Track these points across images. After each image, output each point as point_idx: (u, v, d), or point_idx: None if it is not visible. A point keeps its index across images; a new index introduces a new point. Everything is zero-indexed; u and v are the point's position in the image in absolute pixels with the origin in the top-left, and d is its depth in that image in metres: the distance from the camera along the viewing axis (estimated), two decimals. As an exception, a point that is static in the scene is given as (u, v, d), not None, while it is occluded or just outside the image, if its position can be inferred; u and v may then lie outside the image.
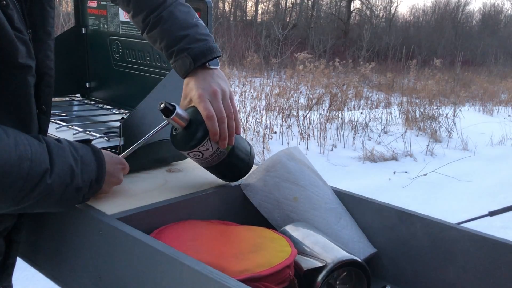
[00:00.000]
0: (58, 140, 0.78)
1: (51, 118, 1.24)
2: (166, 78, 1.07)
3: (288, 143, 5.61)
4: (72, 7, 1.53)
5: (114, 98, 1.48)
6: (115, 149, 1.05)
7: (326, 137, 5.91)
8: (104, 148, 1.05)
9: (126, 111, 1.41)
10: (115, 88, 1.46)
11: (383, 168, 5.25)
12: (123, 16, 1.35)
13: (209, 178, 1.14)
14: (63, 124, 1.20)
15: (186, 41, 0.94)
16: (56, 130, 1.16)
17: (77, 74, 1.51)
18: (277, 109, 6.64)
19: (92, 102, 1.52)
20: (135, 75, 1.37)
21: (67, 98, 1.57)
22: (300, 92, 7.54)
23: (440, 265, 0.95)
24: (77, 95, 1.59)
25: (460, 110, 8.17)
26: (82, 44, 1.49)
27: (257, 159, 1.12)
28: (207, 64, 0.95)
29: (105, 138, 1.10)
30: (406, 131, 6.56)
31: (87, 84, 1.53)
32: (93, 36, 1.46)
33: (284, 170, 1.08)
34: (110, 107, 1.47)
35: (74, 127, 1.16)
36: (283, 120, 6.17)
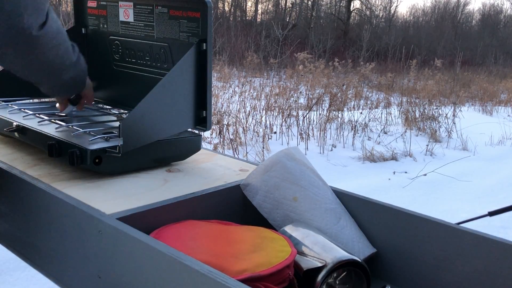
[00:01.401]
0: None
1: (51, 118, 1.24)
2: (165, 78, 1.07)
3: (287, 143, 5.61)
4: (72, 7, 1.53)
5: (114, 98, 1.48)
6: (114, 149, 1.05)
7: (326, 137, 5.91)
8: (104, 149, 1.05)
9: (126, 111, 1.41)
10: (115, 88, 1.46)
11: (382, 168, 5.25)
12: (123, 16, 1.35)
13: (209, 178, 1.14)
14: (63, 124, 1.20)
15: None
16: (56, 130, 1.16)
17: None
18: (276, 109, 6.64)
19: (92, 103, 1.52)
20: (135, 75, 1.37)
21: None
22: (300, 92, 7.54)
23: (440, 265, 0.95)
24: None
25: (460, 110, 8.17)
26: (82, 44, 1.49)
27: (257, 159, 1.12)
28: None
29: (105, 138, 1.10)
30: (405, 131, 6.56)
31: None
32: (93, 36, 1.46)
33: (283, 170, 1.08)
34: (110, 107, 1.47)
35: (74, 127, 1.16)
36: (283, 120, 6.17)
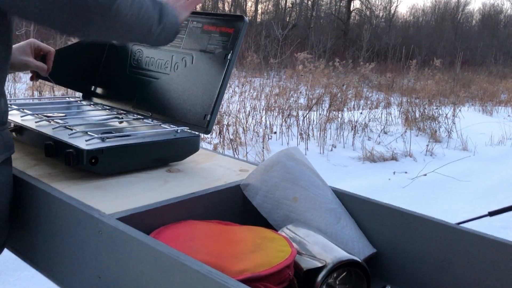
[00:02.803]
0: None
1: (49, 118, 1.25)
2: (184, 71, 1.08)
3: (288, 143, 5.61)
4: None
5: (119, 100, 1.48)
6: (111, 149, 1.05)
7: (326, 137, 5.91)
8: (100, 149, 1.04)
9: (125, 112, 1.41)
10: (124, 91, 1.47)
11: (382, 168, 5.25)
12: None
13: (209, 178, 1.14)
14: (61, 123, 1.20)
15: None
16: (53, 130, 1.15)
17: (87, 75, 1.52)
18: (276, 109, 6.65)
19: (92, 103, 1.52)
20: (147, 80, 1.38)
21: (66, 99, 1.57)
22: (300, 92, 7.54)
23: (440, 265, 0.95)
24: (77, 96, 1.59)
25: (460, 110, 8.17)
26: (102, 50, 1.51)
27: (257, 159, 1.12)
28: None
29: (101, 138, 1.10)
30: (405, 131, 6.56)
31: (92, 87, 1.53)
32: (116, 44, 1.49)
33: (283, 170, 1.08)
34: (109, 107, 1.47)
35: (73, 128, 1.16)
36: (283, 120, 6.17)
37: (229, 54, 1.20)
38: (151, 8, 0.95)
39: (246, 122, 5.83)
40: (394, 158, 5.62)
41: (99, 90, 1.53)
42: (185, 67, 1.29)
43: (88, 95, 1.56)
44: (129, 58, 1.45)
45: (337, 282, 0.89)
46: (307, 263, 0.88)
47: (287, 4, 24.28)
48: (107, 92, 1.50)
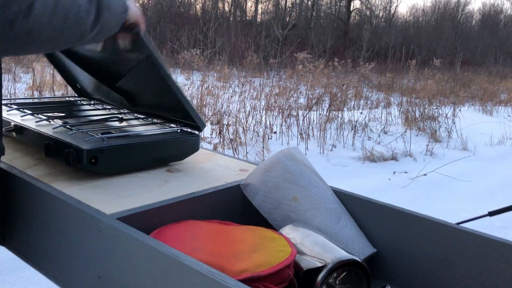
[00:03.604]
0: None
1: (49, 118, 1.25)
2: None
3: (287, 143, 5.61)
4: None
5: (115, 96, 1.47)
6: (111, 149, 1.05)
7: (326, 137, 5.91)
8: (100, 149, 1.04)
9: (125, 111, 1.41)
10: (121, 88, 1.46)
11: (382, 168, 5.25)
12: None
13: (209, 178, 1.14)
14: (61, 123, 1.20)
15: None
16: (53, 130, 1.15)
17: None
18: (276, 109, 6.65)
19: (92, 102, 1.52)
20: (123, 74, 1.37)
21: (66, 99, 1.57)
22: (300, 92, 7.54)
23: (440, 265, 0.95)
24: (77, 96, 1.59)
25: (460, 110, 8.18)
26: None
27: (257, 159, 1.12)
28: None
29: (101, 138, 1.10)
30: (405, 131, 6.56)
31: (78, 85, 1.52)
32: None
33: (283, 170, 1.08)
34: (109, 107, 1.47)
35: (73, 128, 1.16)
36: (283, 120, 6.17)
37: (148, 55, 1.06)
38: (84, 7, 0.80)
39: (246, 122, 5.82)
40: (394, 158, 5.62)
41: (93, 87, 1.52)
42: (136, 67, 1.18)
43: (81, 93, 1.55)
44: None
45: (337, 282, 0.89)
46: (307, 263, 0.88)
47: (287, 4, 24.29)
48: (97, 88, 1.49)
